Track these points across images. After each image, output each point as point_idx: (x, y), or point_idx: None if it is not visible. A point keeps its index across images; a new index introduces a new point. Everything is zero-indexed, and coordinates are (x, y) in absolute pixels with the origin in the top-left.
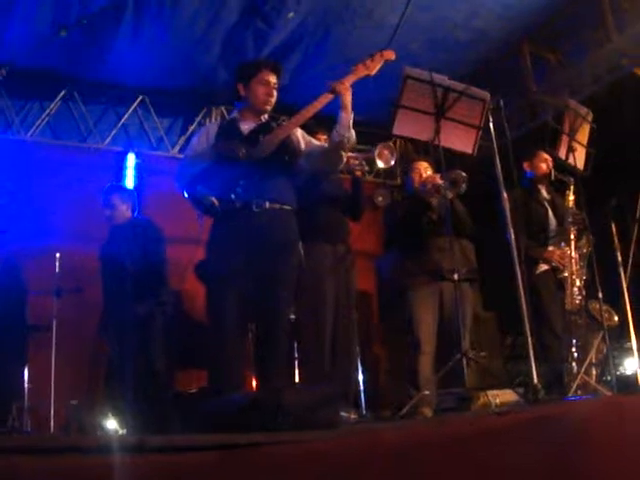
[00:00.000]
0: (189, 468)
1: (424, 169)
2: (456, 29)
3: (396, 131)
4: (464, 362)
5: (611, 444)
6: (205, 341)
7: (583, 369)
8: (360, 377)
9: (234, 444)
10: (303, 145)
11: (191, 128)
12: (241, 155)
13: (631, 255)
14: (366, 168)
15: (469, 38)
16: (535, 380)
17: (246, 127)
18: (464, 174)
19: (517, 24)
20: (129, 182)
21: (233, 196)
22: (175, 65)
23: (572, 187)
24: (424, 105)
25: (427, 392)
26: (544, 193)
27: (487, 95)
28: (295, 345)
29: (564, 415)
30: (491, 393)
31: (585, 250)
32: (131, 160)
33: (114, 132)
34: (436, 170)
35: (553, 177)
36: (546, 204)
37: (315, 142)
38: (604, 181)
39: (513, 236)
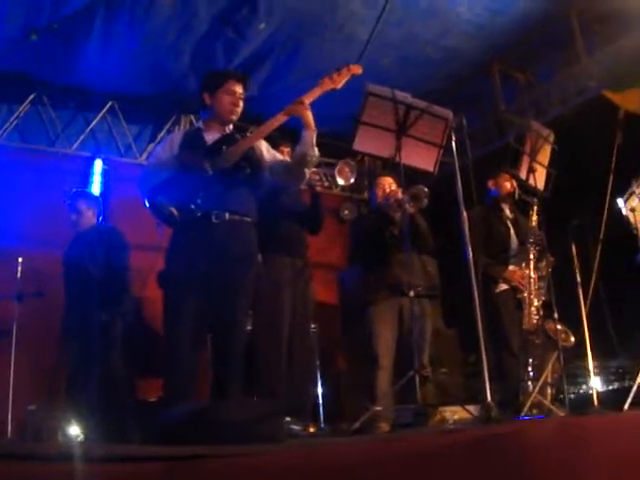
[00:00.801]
0: (131, 478)
1: (388, 184)
2: (427, 46)
3: (357, 147)
4: (420, 378)
5: (559, 465)
6: (161, 350)
7: (537, 388)
8: (319, 390)
9: (177, 456)
10: (267, 158)
11: (160, 135)
12: (206, 169)
13: (594, 277)
14: (326, 183)
15: (440, 56)
16: (488, 398)
17: (210, 137)
18: (426, 189)
19: (488, 44)
20: (95, 188)
21: (193, 206)
22: (145, 72)
23: (535, 207)
24: (386, 122)
25: (379, 407)
26: (507, 212)
27: (449, 114)
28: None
29: (511, 435)
30: (449, 409)
31: (545, 271)
32: (98, 166)
33: (82, 137)
34: (400, 186)
35: (517, 196)
36: (509, 223)
37: (279, 156)
38: (566, 202)
39: (471, 254)
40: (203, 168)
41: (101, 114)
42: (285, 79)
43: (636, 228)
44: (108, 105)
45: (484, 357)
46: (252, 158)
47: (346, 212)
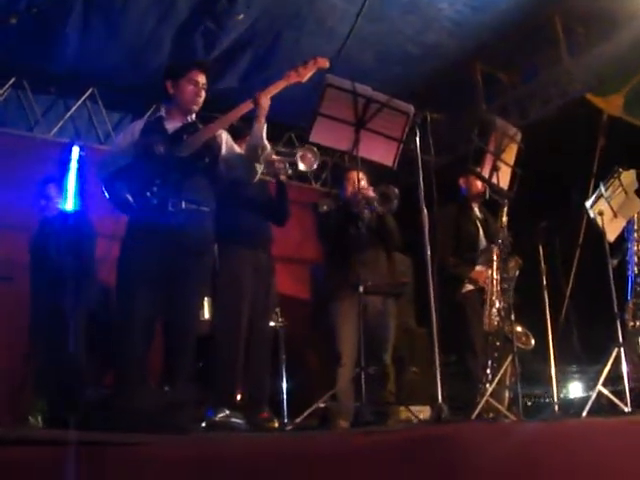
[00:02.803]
0: (19, 461)
1: (358, 178)
2: (407, 43)
3: (313, 138)
4: (380, 376)
5: (492, 471)
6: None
7: (490, 391)
8: (284, 385)
9: (72, 441)
10: (224, 150)
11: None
12: (158, 151)
13: (571, 280)
14: (290, 172)
15: (420, 52)
16: (439, 399)
17: (171, 126)
18: (396, 190)
19: (469, 42)
20: (71, 175)
21: (149, 194)
22: (125, 60)
23: (505, 208)
24: (344, 114)
25: (323, 404)
26: (477, 212)
27: (411, 108)
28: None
29: (444, 437)
30: (415, 409)
31: (512, 273)
32: (75, 153)
33: (61, 123)
34: (371, 183)
35: (488, 196)
36: (478, 223)
37: (236, 149)
38: (541, 203)
39: (430, 252)
40: (157, 151)
41: (81, 100)
42: (265, 71)
43: (604, 231)
44: (89, 92)
45: (436, 357)
46: (212, 147)
47: (324, 207)
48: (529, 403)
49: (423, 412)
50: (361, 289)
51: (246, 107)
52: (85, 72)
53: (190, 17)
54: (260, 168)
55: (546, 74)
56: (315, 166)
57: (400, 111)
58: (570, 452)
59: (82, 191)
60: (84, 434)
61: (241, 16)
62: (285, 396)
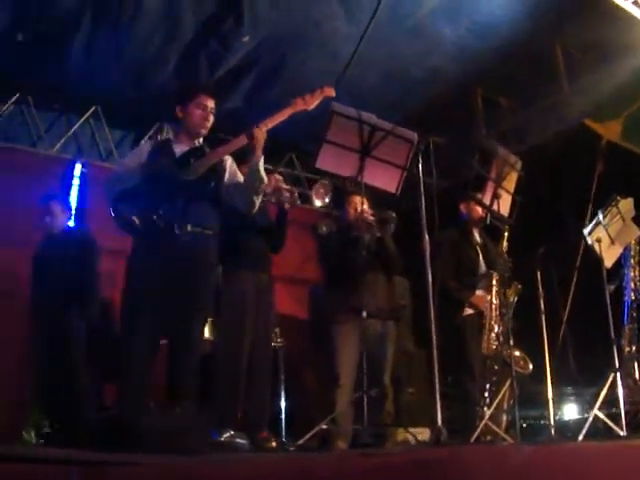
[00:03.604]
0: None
1: (359, 203)
2: (410, 66)
3: (319, 165)
4: (378, 398)
5: None
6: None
7: (488, 414)
8: (282, 405)
9: (79, 460)
10: (227, 176)
11: (142, 142)
12: (178, 176)
13: (568, 305)
14: (298, 202)
15: (423, 76)
16: (439, 422)
17: (179, 149)
18: (394, 215)
19: (471, 67)
20: (73, 191)
21: (155, 217)
22: (129, 78)
23: (506, 234)
24: (350, 141)
25: (325, 426)
26: (477, 237)
27: (414, 136)
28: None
29: (444, 459)
30: (415, 430)
31: (512, 298)
32: (77, 169)
33: (64, 140)
34: (371, 207)
35: (488, 221)
36: (478, 248)
37: (239, 176)
38: (540, 229)
39: (431, 277)
40: (175, 176)
41: (84, 118)
42: (269, 91)
43: (601, 258)
44: (92, 109)
45: (436, 380)
46: (217, 172)
47: (324, 228)
48: (524, 425)
49: (421, 434)
50: (364, 314)
51: (238, 143)
52: (89, 89)
53: (196, 37)
54: (258, 200)
55: (545, 100)
56: (327, 200)
57: (404, 139)
58: (567, 475)
59: (84, 207)
60: (87, 453)
61: (246, 38)
62: (284, 416)
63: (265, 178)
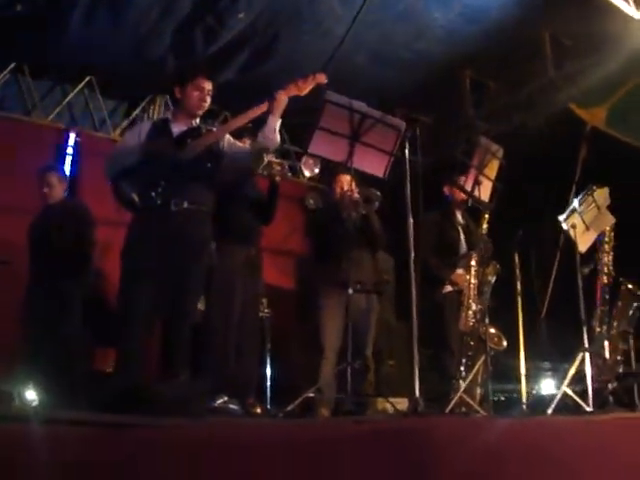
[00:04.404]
0: (75, 439)
1: (346, 182)
2: (400, 48)
3: (311, 150)
4: (361, 369)
5: (463, 462)
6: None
7: (463, 387)
8: (268, 373)
9: (111, 423)
10: (227, 146)
11: (134, 113)
12: (177, 157)
13: (551, 286)
14: (289, 174)
15: (412, 57)
16: (417, 393)
17: (177, 129)
18: (378, 193)
19: (460, 50)
20: (67, 160)
21: (153, 194)
22: (125, 51)
23: (486, 216)
24: (341, 128)
25: (312, 394)
26: (459, 218)
27: (402, 124)
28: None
29: (420, 429)
30: (394, 400)
31: (490, 277)
32: (72, 139)
33: (58, 109)
34: (357, 186)
35: (470, 204)
36: (460, 228)
37: (239, 144)
38: (516, 212)
39: (416, 255)
40: (172, 155)
41: (79, 88)
42: (263, 66)
43: (575, 243)
44: (86, 79)
45: (415, 353)
46: (213, 152)
47: (311, 201)
48: (503, 398)
49: (400, 404)
50: (350, 291)
51: (255, 112)
52: (85, 60)
53: (192, 13)
54: (267, 160)
55: (532, 84)
56: (316, 171)
57: (392, 126)
58: (534, 447)
59: (77, 177)
60: (119, 417)
61: (242, 14)
62: (269, 384)
63: (278, 139)
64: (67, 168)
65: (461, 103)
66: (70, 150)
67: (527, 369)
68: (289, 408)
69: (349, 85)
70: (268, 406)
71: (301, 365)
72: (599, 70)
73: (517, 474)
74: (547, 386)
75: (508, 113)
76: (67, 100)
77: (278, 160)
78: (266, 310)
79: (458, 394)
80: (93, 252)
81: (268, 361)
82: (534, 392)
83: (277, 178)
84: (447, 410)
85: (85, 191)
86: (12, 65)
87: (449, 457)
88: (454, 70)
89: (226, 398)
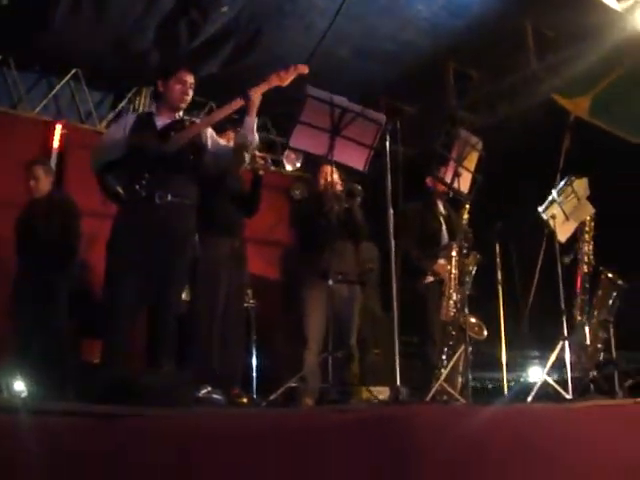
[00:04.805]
0: (67, 430)
1: (330, 173)
2: (383, 40)
3: (292, 144)
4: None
5: (443, 449)
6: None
7: (443, 376)
8: (254, 363)
9: (102, 413)
10: (210, 144)
11: (120, 105)
12: (161, 150)
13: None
14: (272, 168)
15: (396, 49)
16: (398, 381)
17: (160, 122)
18: (359, 187)
19: (443, 41)
20: (54, 152)
21: (137, 187)
22: (109, 44)
23: (467, 206)
24: (321, 122)
25: (295, 384)
26: (441, 208)
27: (383, 117)
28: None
29: (400, 417)
30: (377, 389)
31: (471, 267)
32: (58, 130)
33: (45, 102)
34: (341, 178)
35: (451, 195)
36: (441, 219)
37: (222, 142)
38: (498, 202)
39: (395, 246)
40: (156, 148)
41: (65, 80)
42: (246, 59)
43: (555, 233)
44: (72, 72)
45: (396, 342)
46: (196, 145)
47: (297, 192)
48: (490, 386)
49: (383, 393)
50: (330, 282)
51: (235, 106)
52: (70, 53)
53: (175, 7)
54: (248, 159)
55: (515, 75)
56: (298, 165)
57: (373, 120)
58: (515, 435)
59: (64, 169)
60: (109, 407)
61: (225, 8)
62: (255, 374)
63: (257, 138)
64: (53, 161)
65: (444, 94)
66: (56, 143)
67: (512, 357)
68: (271, 397)
69: (333, 78)
70: (254, 396)
71: (286, 355)
72: (581, 61)
73: (498, 460)
74: (534, 374)
75: (491, 104)
76: (53, 93)
77: (261, 154)
78: (251, 301)
79: (438, 382)
80: (79, 244)
81: (254, 351)
82: (521, 380)
83: (260, 172)
84: (428, 398)
85: (71, 183)
86: None
87: (430, 444)
88: (438, 62)
89: (210, 388)
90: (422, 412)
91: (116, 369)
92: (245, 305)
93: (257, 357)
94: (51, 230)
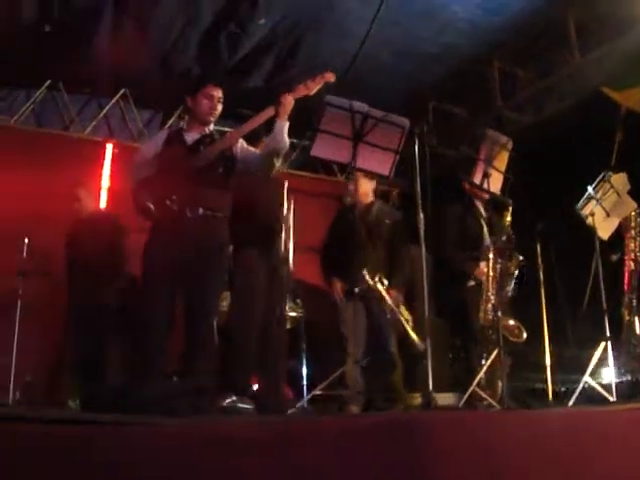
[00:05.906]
0: (60, 437)
1: (364, 182)
2: (424, 43)
3: (314, 153)
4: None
5: (459, 456)
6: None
7: (475, 381)
8: (304, 372)
9: (103, 421)
10: (239, 153)
11: (169, 122)
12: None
13: (592, 274)
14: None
15: (438, 52)
16: (430, 387)
17: (190, 137)
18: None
19: (485, 41)
20: (105, 172)
21: (168, 202)
22: (154, 62)
23: (510, 208)
24: (343, 130)
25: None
26: (482, 210)
27: (406, 122)
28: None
29: (422, 423)
30: (440, 396)
31: (512, 270)
32: (109, 150)
33: (95, 122)
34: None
35: (490, 197)
36: (483, 222)
37: (251, 149)
38: (534, 205)
39: (424, 251)
40: (186, 163)
41: (114, 100)
42: (288, 71)
43: (595, 230)
44: (121, 92)
45: (428, 347)
46: (227, 157)
47: (348, 199)
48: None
49: (448, 398)
50: (357, 290)
51: (265, 115)
52: (117, 73)
53: (214, 22)
54: (278, 163)
55: (560, 71)
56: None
57: (396, 124)
58: (542, 440)
59: (114, 188)
60: (110, 415)
61: (262, 20)
62: (305, 382)
63: (287, 142)
64: (105, 180)
65: (490, 94)
66: (108, 162)
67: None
68: (298, 405)
69: (378, 83)
70: (305, 405)
71: (331, 364)
72: (627, 53)
73: (520, 467)
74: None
75: (538, 101)
76: (103, 113)
77: None
78: (300, 310)
79: (472, 387)
80: (125, 262)
81: (304, 360)
82: (598, 381)
83: None
84: (461, 404)
85: (123, 201)
86: (47, 82)
87: (446, 452)
88: (480, 61)
89: (235, 398)
90: (440, 419)
91: (150, 380)
92: (295, 315)
93: (307, 366)
94: (96, 248)
